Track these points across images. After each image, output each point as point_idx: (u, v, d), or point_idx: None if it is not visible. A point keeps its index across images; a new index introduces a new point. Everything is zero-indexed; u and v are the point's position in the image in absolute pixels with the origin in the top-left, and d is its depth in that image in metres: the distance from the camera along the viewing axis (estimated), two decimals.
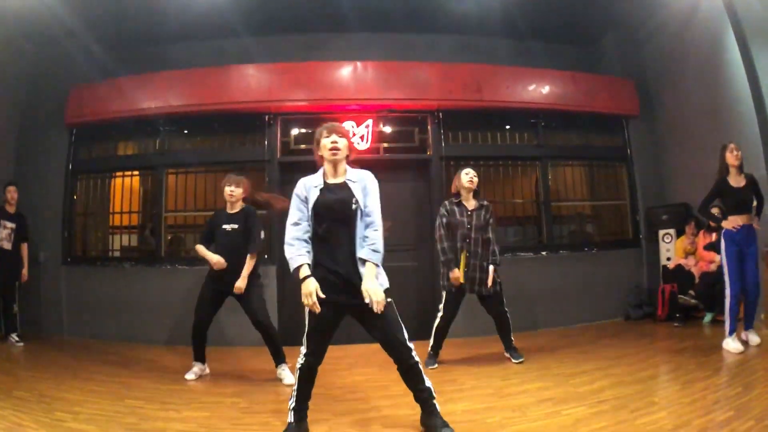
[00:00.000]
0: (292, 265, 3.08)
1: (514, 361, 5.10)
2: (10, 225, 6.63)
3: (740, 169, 5.15)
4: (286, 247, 3.15)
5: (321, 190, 3.21)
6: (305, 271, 3.05)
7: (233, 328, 6.40)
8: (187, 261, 7.18)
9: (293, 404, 3.21)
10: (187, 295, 6.72)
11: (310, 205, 3.18)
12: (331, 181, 3.26)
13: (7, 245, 6.58)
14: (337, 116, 7.25)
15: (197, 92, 7.27)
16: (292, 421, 3.18)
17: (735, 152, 5.13)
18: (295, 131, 7.41)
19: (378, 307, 2.95)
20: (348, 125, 7.18)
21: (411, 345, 3.15)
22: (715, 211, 5.64)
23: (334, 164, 3.26)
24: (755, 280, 5.12)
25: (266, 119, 7.30)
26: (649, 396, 3.81)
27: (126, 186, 7.69)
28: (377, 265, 3.10)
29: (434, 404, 3.18)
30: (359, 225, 3.16)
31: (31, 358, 5.88)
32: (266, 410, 3.88)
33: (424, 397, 3.18)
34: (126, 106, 7.38)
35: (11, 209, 6.68)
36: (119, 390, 4.43)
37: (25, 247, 6.79)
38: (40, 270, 7.39)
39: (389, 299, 3.12)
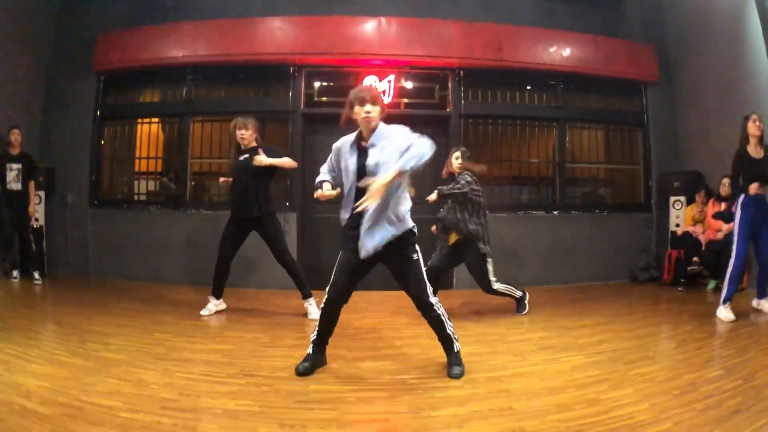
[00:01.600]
0: (316, 184, 3.48)
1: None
2: (16, 166, 6.76)
3: (761, 140, 5.12)
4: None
5: (357, 154, 3.38)
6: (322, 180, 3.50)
7: (259, 271, 6.69)
8: (211, 205, 7.48)
9: (314, 337, 3.49)
10: (211, 238, 6.97)
11: (349, 167, 3.37)
12: (363, 144, 3.39)
13: (16, 186, 6.75)
14: (359, 70, 7.42)
15: (223, 42, 7.40)
16: (311, 351, 3.48)
17: (758, 123, 5.07)
18: (318, 84, 7.56)
19: (369, 193, 3.09)
20: (370, 80, 7.33)
21: (433, 300, 3.39)
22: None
23: (368, 129, 3.37)
24: (767, 254, 5.11)
25: (291, 71, 7.45)
26: (645, 351, 4.01)
27: (153, 132, 7.91)
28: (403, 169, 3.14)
29: (452, 347, 3.48)
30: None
31: (59, 295, 6.22)
32: (285, 345, 4.17)
33: (444, 341, 3.48)
34: (153, 54, 7.53)
35: (15, 151, 6.79)
36: (146, 324, 4.72)
37: (32, 185, 6.90)
38: (68, 212, 7.68)
39: (415, 256, 3.36)
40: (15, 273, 6.73)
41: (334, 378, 3.34)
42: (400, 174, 3.11)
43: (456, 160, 5.36)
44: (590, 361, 3.72)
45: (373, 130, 3.35)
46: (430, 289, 3.40)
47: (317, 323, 3.49)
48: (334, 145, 3.53)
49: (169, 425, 2.53)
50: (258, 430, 2.53)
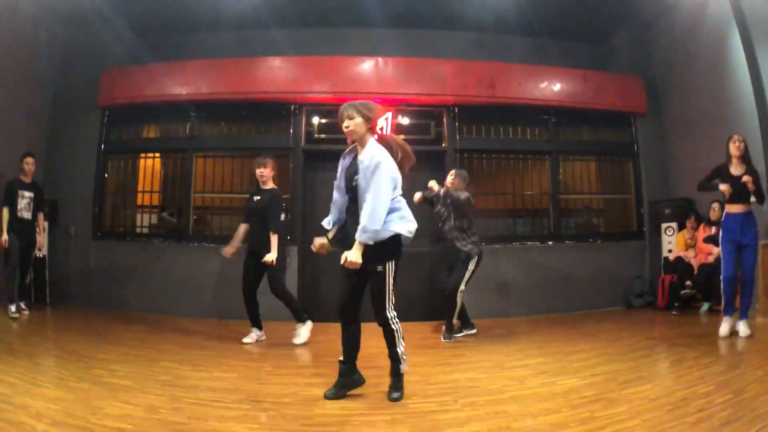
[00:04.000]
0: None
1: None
2: (28, 194, 6.58)
3: (743, 159, 5.31)
4: None
5: (349, 162, 3.66)
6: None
7: (262, 303, 6.79)
8: (213, 239, 7.60)
9: (341, 357, 3.64)
10: (213, 271, 7.18)
11: (342, 170, 3.70)
12: (357, 156, 3.59)
13: (27, 215, 6.57)
14: None
15: (226, 81, 7.65)
16: (339, 375, 3.63)
17: (737, 143, 5.29)
18: (318, 121, 7.79)
19: (347, 265, 3.35)
20: None
21: (389, 315, 3.51)
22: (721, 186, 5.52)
23: (357, 142, 3.59)
24: (749, 268, 5.27)
25: (291, 109, 7.70)
26: (638, 372, 4.11)
27: (156, 167, 8.11)
28: (365, 242, 3.35)
29: (398, 368, 3.59)
30: (359, 198, 3.47)
31: (63, 324, 6.31)
32: (289, 373, 4.29)
33: (392, 359, 3.61)
34: (157, 91, 7.77)
35: (27, 179, 6.61)
36: (152, 353, 4.81)
37: (41, 217, 6.82)
38: (71, 243, 7.80)
39: (380, 268, 3.48)
40: (13, 308, 6.35)
41: (339, 403, 3.43)
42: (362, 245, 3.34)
43: (450, 176, 5.84)
44: (585, 383, 3.82)
45: (362, 143, 3.55)
46: (389, 302, 3.52)
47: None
48: (342, 157, 3.76)
49: None
50: None
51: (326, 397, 3.51)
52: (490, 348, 5.26)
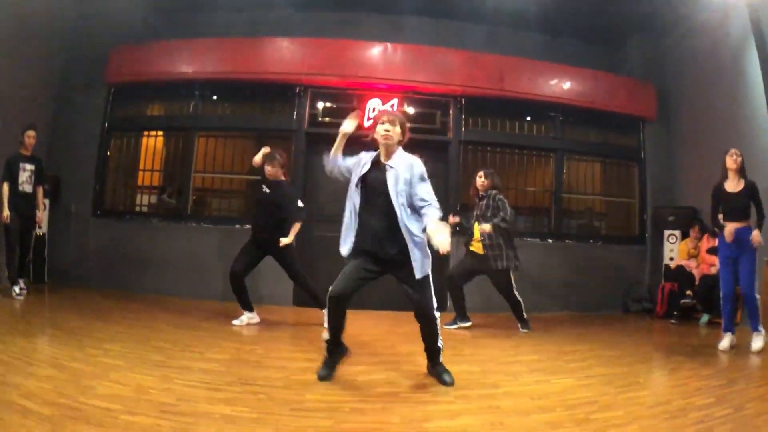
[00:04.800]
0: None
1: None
2: (30, 167, 6.42)
3: (740, 173, 5.23)
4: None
5: (372, 165, 3.60)
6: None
7: (254, 288, 6.73)
8: (212, 219, 7.58)
9: (326, 336, 3.66)
10: (211, 251, 7.16)
11: (357, 174, 3.61)
12: (382, 160, 3.60)
13: (29, 188, 6.40)
14: (364, 93, 7.58)
15: (232, 61, 7.56)
16: (326, 354, 3.66)
17: (734, 156, 5.20)
18: (322, 104, 7.70)
19: (442, 250, 3.19)
20: (374, 103, 7.50)
21: (437, 315, 3.59)
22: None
23: (386, 147, 3.59)
24: (748, 284, 5.16)
25: (296, 91, 7.62)
26: (635, 377, 4.07)
27: (158, 146, 8.03)
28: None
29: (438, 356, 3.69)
30: (395, 203, 3.45)
31: (61, 303, 6.21)
32: (281, 357, 4.27)
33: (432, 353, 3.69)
34: (163, 68, 7.70)
35: (27, 152, 6.43)
36: (146, 333, 4.77)
37: (40, 191, 6.61)
38: (71, 221, 7.72)
39: (428, 272, 3.52)
40: (17, 289, 6.18)
41: (330, 388, 3.39)
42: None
43: (480, 178, 5.92)
44: (581, 384, 3.78)
45: (390, 153, 3.58)
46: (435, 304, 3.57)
47: (326, 323, 3.67)
48: (359, 155, 3.73)
49: (168, 428, 2.57)
50: None
51: (321, 378, 3.52)
52: (485, 342, 5.24)
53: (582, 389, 3.64)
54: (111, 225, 7.75)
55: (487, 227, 5.63)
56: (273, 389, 3.31)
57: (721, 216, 5.51)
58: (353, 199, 3.59)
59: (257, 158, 5.57)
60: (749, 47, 6.83)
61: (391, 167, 3.50)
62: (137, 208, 7.95)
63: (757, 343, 5.07)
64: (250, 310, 5.57)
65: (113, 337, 4.50)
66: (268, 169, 5.49)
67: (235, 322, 5.44)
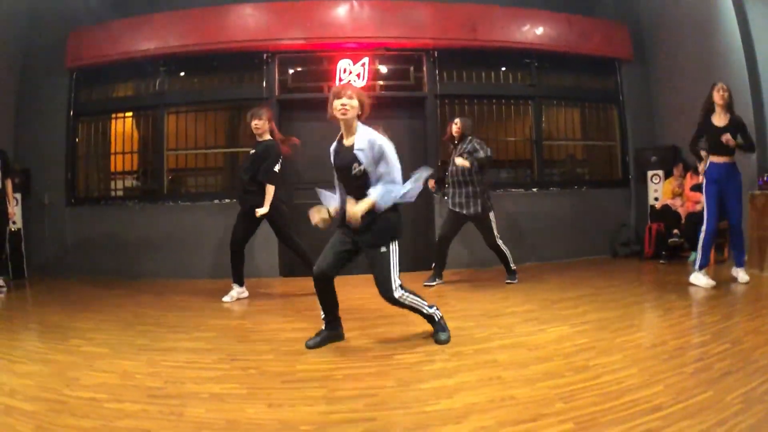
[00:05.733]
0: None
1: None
2: None
3: (727, 109, 5.16)
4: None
5: (335, 151, 3.53)
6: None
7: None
8: (189, 197, 7.43)
9: (322, 314, 3.63)
10: (191, 229, 7.04)
11: (335, 155, 3.52)
12: (344, 143, 3.49)
13: None
14: (333, 54, 7.36)
15: (195, 32, 7.30)
16: (323, 327, 3.63)
17: (721, 92, 5.13)
18: (292, 70, 7.48)
19: (352, 222, 3.28)
20: (344, 63, 7.30)
21: (397, 294, 3.43)
22: (702, 153, 5.60)
23: (346, 123, 3.46)
24: (737, 217, 5.20)
25: (264, 58, 7.37)
26: (630, 320, 4.06)
27: (127, 128, 7.79)
28: (375, 204, 3.33)
29: (432, 318, 3.62)
30: (371, 181, 3.40)
31: (42, 297, 6.06)
32: (270, 329, 4.17)
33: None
34: (125, 48, 7.41)
35: None
36: (129, 318, 4.66)
37: (9, 183, 6.24)
38: (45, 213, 7.53)
39: (383, 249, 3.40)
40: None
41: (321, 357, 3.33)
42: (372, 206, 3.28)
43: (455, 125, 5.80)
44: (576, 331, 3.75)
45: (351, 129, 3.46)
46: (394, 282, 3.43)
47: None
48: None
49: (156, 412, 2.50)
50: (245, 411, 2.50)
51: (308, 346, 3.49)
52: (476, 296, 5.19)
53: (578, 336, 3.61)
54: (87, 213, 7.58)
55: (461, 161, 5.56)
56: (263, 363, 3.24)
57: (703, 152, 5.48)
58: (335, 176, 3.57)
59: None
60: None
61: (360, 149, 3.39)
62: (112, 193, 7.76)
63: (745, 275, 5.15)
64: (241, 284, 5.43)
65: (97, 325, 4.39)
66: (255, 123, 5.26)
67: (225, 298, 5.32)
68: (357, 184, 3.39)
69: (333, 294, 3.56)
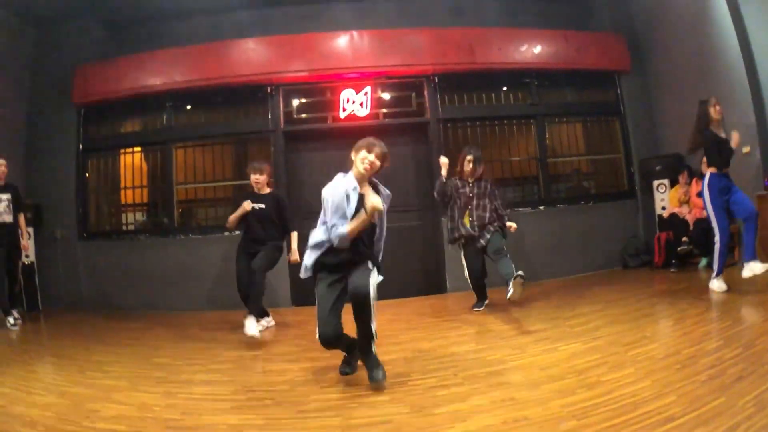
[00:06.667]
0: (343, 233, 3.30)
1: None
2: (5, 197, 6.20)
3: (721, 123, 5.24)
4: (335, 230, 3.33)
5: (359, 196, 3.44)
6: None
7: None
8: (200, 230, 7.52)
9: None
10: (202, 262, 7.13)
11: (352, 205, 3.38)
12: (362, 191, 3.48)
13: (8, 218, 6.20)
14: (336, 85, 7.50)
15: (199, 68, 7.47)
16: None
17: (717, 107, 5.19)
18: (296, 101, 7.62)
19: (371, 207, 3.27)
20: (347, 93, 7.45)
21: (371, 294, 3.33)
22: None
23: (364, 176, 3.49)
24: (752, 209, 5.10)
25: (268, 90, 7.52)
26: (642, 331, 4.06)
27: (136, 162, 7.92)
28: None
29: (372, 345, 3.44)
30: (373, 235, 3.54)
31: (56, 329, 6.16)
32: (285, 360, 4.19)
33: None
34: (131, 84, 7.58)
35: (0, 182, 6.23)
36: (145, 351, 4.71)
37: (22, 217, 6.41)
38: (58, 247, 7.61)
39: (371, 265, 3.42)
40: (11, 320, 6.03)
41: (335, 386, 3.36)
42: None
43: (469, 163, 5.66)
44: (588, 347, 3.75)
45: (367, 181, 3.54)
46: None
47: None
48: (337, 184, 3.47)
49: None
50: None
51: (342, 373, 3.55)
52: (487, 318, 5.18)
53: (590, 352, 3.62)
54: (99, 246, 7.68)
55: (514, 225, 5.68)
56: (278, 393, 3.27)
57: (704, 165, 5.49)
58: (335, 221, 3.36)
59: (237, 214, 5.31)
60: None
61: (381, 195, 3.50)
62: (123, 227, 7.87)
63: (758, 264, 4.99)
64: (266, 314, 5.48)
65: (113, 358, 4.45)
66: (256, 178, 5.36)
67: (251, 331, 4.94)
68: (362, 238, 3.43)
69: (345, 340, 3.49)
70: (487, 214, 5.58)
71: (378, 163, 3.46)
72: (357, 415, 2.81)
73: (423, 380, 3.34)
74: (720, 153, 5.24)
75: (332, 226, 3.31)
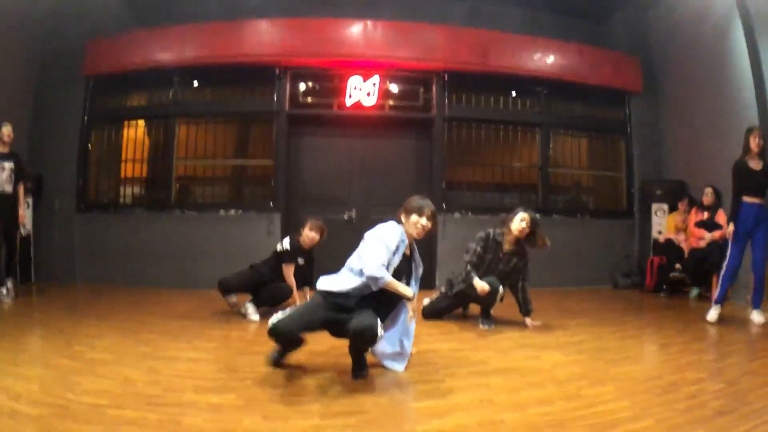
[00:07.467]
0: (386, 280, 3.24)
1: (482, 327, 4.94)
2: (8, 165, 5.97)
3: (761, 155, 5.24)
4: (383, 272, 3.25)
5: (404, 255, 3.47)
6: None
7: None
8: (197, 207, 7.52)
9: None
10: (197, 239, 7.16)
11: (395, 261, 3.38)
12: (407, 252, 3.53)
13: (8, 187, 5.96)
14: (345, 72, 7.50)
15: (210, 45, 7.44)
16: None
17: (758, 139, 5.20)
18: (303, 85, 7.60)
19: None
20: (355, 81, 7.45)
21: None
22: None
23: (412, 238, 3.52)
24: (760, 260, 5.20)
25: (276, 72, 7.49)
26: (626, 352, 4.07)
27: (139, 135, 7.90)
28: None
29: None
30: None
31: (48, 302, 6.13)
32: (268, 342, 4.10)
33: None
34: (142, 58, 7.56)
35: (5, 149, 6.00)
36: (133, 326, 4.70)
37: (21, 188, 6.15)
38: (55, 218, 7.58)
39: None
40: (4, 290, 5.91)
41: (318, 372, 3.36)
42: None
43: (522, 221, 4.99)
44: (571, 359, 3.78)
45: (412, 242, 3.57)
46: None
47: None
48: (395, 231, 3.44)
49: (155, 420, 2.53)
50: (241, 422, 2.55)
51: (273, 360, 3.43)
52: (475, 320, 5.15)
53: (572, 364, 3.64)
54: (96, 219, 7.65)
55: (537, 323, 5.00)
56: (260, 375, 3.28)
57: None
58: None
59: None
60: (734, 21, 6.79)
61: (415, 261, 3.61)
62: (121, 200, 7.84)
63: (760, 317, 5.13)
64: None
65: (101, 332, 4.44)
66: (312, 236, 5.33)
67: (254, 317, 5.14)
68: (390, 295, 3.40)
69: (294, 344, 3.47)
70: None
71: (430, 225, 3.49)
72: (336, 403, 2.82)
73: (405, 374, 3.38)
74: (741, 181, 5.29)
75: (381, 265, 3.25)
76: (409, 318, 3.46)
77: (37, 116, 7.74)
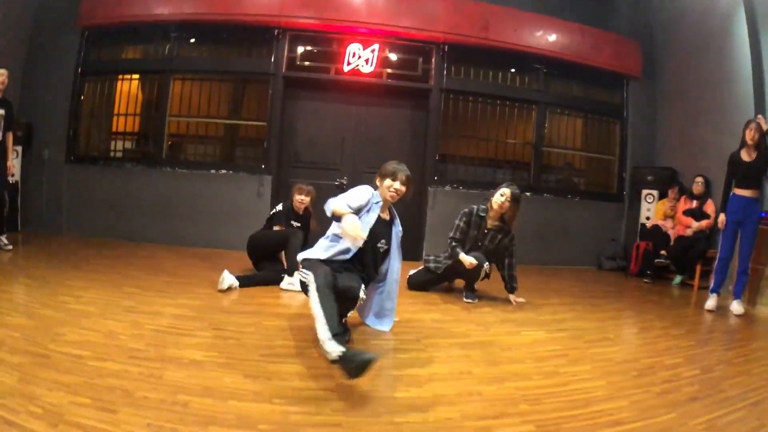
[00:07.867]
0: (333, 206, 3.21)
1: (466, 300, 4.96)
2: (0, 112, 5.78)
3: (756, 147, 5.25)
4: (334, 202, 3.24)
5: (377, 219, 3.45)
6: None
7: (233, 232, 6.72)
8: (188, 164, 7.45)
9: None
10: (185, 197, 7.10)
11: (369, 220, 3.39)
12: (382, 215, 3.53)
13: None
14: (344, 37, 7.41)
15: (209, 1, 7.32)
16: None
17: (753, 131, 5.22)
18: (301, 48, 7.51)
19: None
20: (354, 47, 7.37)
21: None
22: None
23: (387, 202, 3.54)
24: (745, 255, 5.31)
25: (275, 33, 7.38)
26: (605, 333, 4.13)
27: (132, 90, 7.78)
28: None
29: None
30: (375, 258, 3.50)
31: (34, 251, 6.09)
32: (255, 302, 4.24)
33: None
34: (139, 10, 7.41)
35: None
36: (118, 279, 4.71)
37: (10, 137, 5.95)
38: (44, 168, 7.48)
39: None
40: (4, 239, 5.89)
41: (300, 336, 3.38)
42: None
43: (501, 195, 4.96)
44: (551, 337, 3.84)
45: (388, 208, 3.59)
46: None
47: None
48: (368, 191, 3.47)
49: (136, 373, 2.55)
50: (222, 379, 2.57)
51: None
52: (459, 294, 5.19)
53: (552, 342, 3.70)
54: (85, 171, 7.56)
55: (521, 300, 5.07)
56: (243, 335, 3.30)
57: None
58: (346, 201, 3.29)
59: None
60: (737, 12, 6.76)
61: (395, 226, 3.61)
62: (111, 154, 7.76)
63: (740, 307, 5.24)
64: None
65: (86, 284, 4.44)
66: (301, 199, 5.50)
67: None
68: (370, 254, 3.42)
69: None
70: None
71: (404, 189, 3.50)
72: (316, 366, 2.85)
73: (385, 341, 3.42)
74: (731, 172, 5.41)
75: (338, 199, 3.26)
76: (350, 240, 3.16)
77: (30, 64, 7.58)
